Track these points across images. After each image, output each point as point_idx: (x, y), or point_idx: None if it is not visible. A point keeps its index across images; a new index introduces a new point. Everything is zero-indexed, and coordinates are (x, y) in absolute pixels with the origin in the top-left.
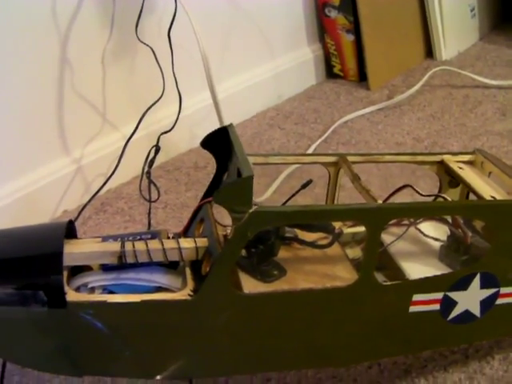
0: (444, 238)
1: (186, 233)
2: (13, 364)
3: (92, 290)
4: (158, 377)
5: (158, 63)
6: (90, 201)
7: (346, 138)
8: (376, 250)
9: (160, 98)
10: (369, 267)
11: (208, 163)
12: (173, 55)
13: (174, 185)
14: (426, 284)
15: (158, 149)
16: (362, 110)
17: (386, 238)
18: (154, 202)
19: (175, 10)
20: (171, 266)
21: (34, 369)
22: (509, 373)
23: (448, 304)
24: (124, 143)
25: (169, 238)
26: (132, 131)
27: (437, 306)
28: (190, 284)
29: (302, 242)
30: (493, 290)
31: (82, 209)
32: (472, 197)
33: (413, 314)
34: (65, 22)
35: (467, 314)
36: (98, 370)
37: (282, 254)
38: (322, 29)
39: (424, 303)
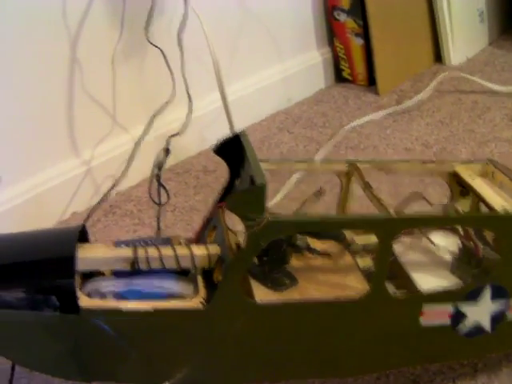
0: (455, 248)
1: (198, 239)
2: (21, 367)
3: (104, 296)
4: None
5: (168, 65)
6: (99, 203)
7: (354, 143)
8: (387, 260)
9: (170, 100)
10: (380, 278)
11: (217, 167)
12: (183, 57)
13: (183, 188)
14: (437, 296)
15: (167, 151)
16: (371, 115)
17: (397, 247)
18: (163, 205)
19: (185, 12)
20: (182, 272)
21: (43, 373)
22: None
23: (458, 316)
24: (133, 145)
25: (181, 244)
26: (141, 134)
27: (447, 318)
28: (202, 292)
29: (314, 251)
30: (503, 303)
31: (92, 211)
32: (483, 207)
33: (423, 326)
34: (75, 22)
35: (477, 328)
36: (107, 375)
37: (293, 261)
38: (331, 32)
39: (434, 315)
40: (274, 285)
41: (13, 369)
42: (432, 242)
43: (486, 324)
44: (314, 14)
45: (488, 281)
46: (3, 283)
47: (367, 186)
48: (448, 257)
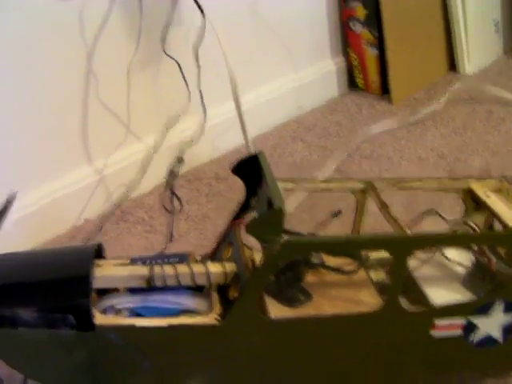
0: (468, 262)
1: (214, 255)
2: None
3: (119, 311)
4: None
5: (184, 76)
6: (112, 211)
7: (368, 153)
8: (401, 278)
9: (184, 111)
10: (394, 295)
11: (229, 175)
12: (199, 69)
13: (196, 195)
14: (449, 310)
15: (180, 160)
16: (385, 124)
17: (411, 261)
18: (175, 214)
19: (202, 24)
20: (197, 288)
21: None
22: None
23: (470, 329)
24: (146, 153)
25: (197, 261)
26: (154, 143)
27: (459, 331)
28: (217, 308)
29: (328, 268)
30: None
31: (105, 219)
32: (497, 223)
33: (436, 339)
34: (92, 33)
35: (489, 339)
36: None
37: (308, 277)
38: (346, 42)
39: (447, 328)
40: (289, 301)
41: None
42: (446, 257)
43: (498, 335)
44: (328, 23)
45: (501, 295)
46: (21, 301)
47: (383, 206)
48: (461, 271)
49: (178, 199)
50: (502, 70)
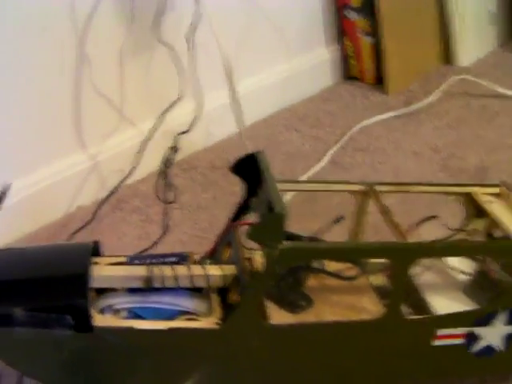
0: (469, 268)
1: (212, 255)
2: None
3: (117, 311)
4: None
5: (176, 62)
6: (106, 199)
7: (362, 145)
8: (402, 287)
9: (180, 97)
10: (395, 303)
11: (224, 163)
12: (192, 55)
13: (190, 185)
14: (451, 319)
15: (175, 149)
16: (379, 116)
17: (413, 268)
18: (170, 203)
19: (196, 10)
20: (196, 289)
21: None
22: None
23: (472, 338)
24: (141, 140)
25: (195, 261)
26: (148, 129)
27: (461, 340)
28: (216, 311)
29: (329, 274)
30: None
31: (98, 207)
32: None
33: (437, 347)
34: (83, 17)
35: (491, 347)
36: None
37: (309, 282)
38: (340, 30)
39: (448, 337)
40: (290, 306)
41: (20, 379)
42: (447, 264)
43: (500, 343)
44: (323, 11)
45: (504, 305)
46: (18, 300)
47: (385, 211)
48: (463, 279)
49: (173, 189)
50: (497, 63)
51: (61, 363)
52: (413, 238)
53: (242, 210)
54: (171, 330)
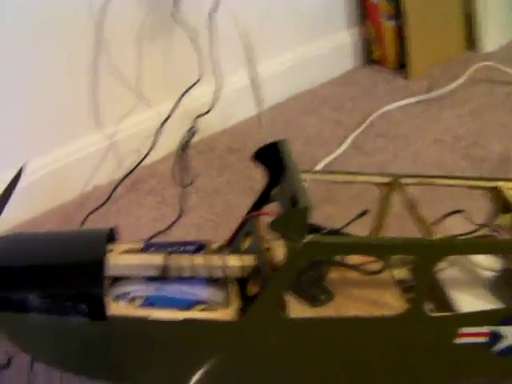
0: (495, 264)
1: (230, 244)
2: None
3: (132, 300)
4: None
5: (195, 44)
6: (123, 180)
7: (383, 131)
8: (427, 284)
9: (199, 79)
10: (419, 300)
11: (241, 146)
12: (212, 37)
13: (207, 168)
14: (475, 318)
15: (193, 132)
16: (401, 102)
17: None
18: (187, 186)
19: None
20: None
21: (67, 371)
22: None
23: (495, 337)
24: (158, 120)
25: (213, 250)
26: (167, 110)
27: (484, 339)
28: (234, 302)
29: (352, 268)
30: None
31: (115, 188)
32: None
33: (459, 345)
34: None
35: None
36: (133, 379)
37: (330, 276)
38: (363, 13)
39: (471, 336)
40: (311, 300)
41: (32, 364)
42: (472, 260)
43: None
44: None
45: None
46: (34, 286)
47: (411, 205)
48: (489, 276)
49: (190, 172)
50: None
51: (73, 350)
52: (438, 233)
53: (264, 199)
54: (186, 321)
